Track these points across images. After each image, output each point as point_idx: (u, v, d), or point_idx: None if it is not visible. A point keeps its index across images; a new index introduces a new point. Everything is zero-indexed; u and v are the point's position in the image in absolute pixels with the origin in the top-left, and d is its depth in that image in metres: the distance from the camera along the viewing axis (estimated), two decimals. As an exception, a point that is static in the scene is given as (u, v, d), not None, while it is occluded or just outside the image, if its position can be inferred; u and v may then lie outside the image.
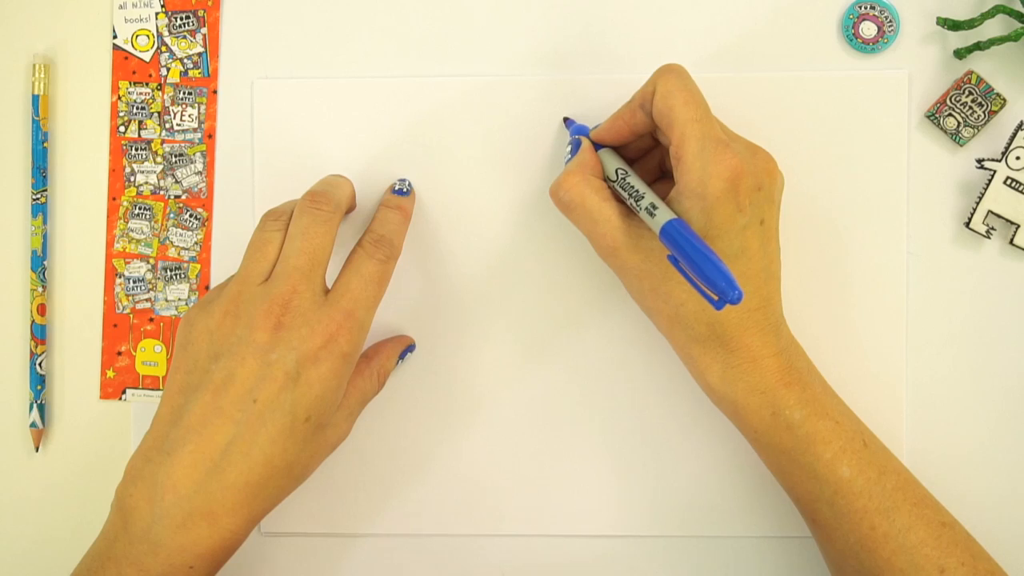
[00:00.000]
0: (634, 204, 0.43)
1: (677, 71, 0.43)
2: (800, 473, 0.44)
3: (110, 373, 0.52)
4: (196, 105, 0.52)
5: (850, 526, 0.43)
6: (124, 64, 0.52)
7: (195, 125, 0.52)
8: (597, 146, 0.47)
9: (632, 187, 0.44)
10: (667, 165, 0.48)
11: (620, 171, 0.45)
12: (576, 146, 0.47)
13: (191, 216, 0.52)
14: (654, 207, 0.42)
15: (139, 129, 0.52)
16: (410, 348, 0.50)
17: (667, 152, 0.46)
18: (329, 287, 0.44)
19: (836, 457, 0.43)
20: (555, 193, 0.45)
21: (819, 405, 0.44)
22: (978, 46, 0.49)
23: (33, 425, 0.52)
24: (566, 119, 0.50)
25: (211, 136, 0.52)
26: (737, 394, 0.44)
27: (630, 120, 0.45)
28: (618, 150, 0.47)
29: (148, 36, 0.52)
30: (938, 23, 0.49)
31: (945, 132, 0.50)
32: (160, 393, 0.52)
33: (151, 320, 0.52)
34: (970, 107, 0.49)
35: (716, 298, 0.39)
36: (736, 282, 0.38)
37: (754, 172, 0.42)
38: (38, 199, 0.52)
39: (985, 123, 0.49)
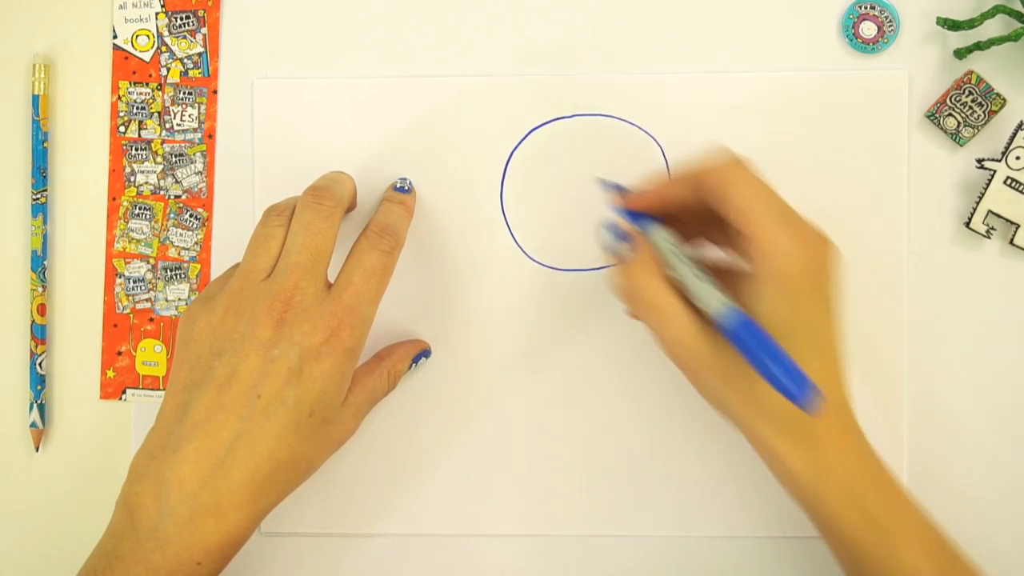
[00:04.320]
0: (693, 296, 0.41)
1: (747, 172, 0.41)
2: (879, 572, 0.42)
3: (110, 373, 0.52)
4: (196, 105, 0.52)
5: None
6: (124, 64, 0.52)
7: (195, 125, 0.52)
8: (633, 214, 0.44)
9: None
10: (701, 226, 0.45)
11: (678, 256, 0.42)
12: (615, 231, 0.44)
13: (191, 216, 0.52)
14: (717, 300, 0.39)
15: (139, 129, 0.52)
16: (425, 353, 0.50)
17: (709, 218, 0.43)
18: (332, 281, 0.45)
19: (918, 557, 0.42)
20: (624, 290, 0.43)
21: (901, 501, 0.43)
22: (978, 46, 0.49)
23: (33, 425, 0.52)
24: (602, 180, 0.48)
25: (211, 136, 0.52)
26: (827, 489, 0.42)
27: (669, 196, 0.43)
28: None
29: (148, 36, 0.52)
30: (938, 23, 0.49)
31: (945, 132, 0.50)
32: (160, 393, 0.52)
33: (151, 320, 0.52)
34: (970, 107, 0.49)
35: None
36: (815, 386, 0.36)
37: (836, 258, 0.41)
38: (38, 199, 0.52)
39: (985, 123, 0.49)
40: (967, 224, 0.49)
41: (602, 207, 0.51)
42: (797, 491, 0.43)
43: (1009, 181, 0.49)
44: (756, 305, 0.40)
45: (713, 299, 0.40)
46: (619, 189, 0.46)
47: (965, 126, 0.49)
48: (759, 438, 0.42)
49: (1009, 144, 0.49)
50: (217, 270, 0.52)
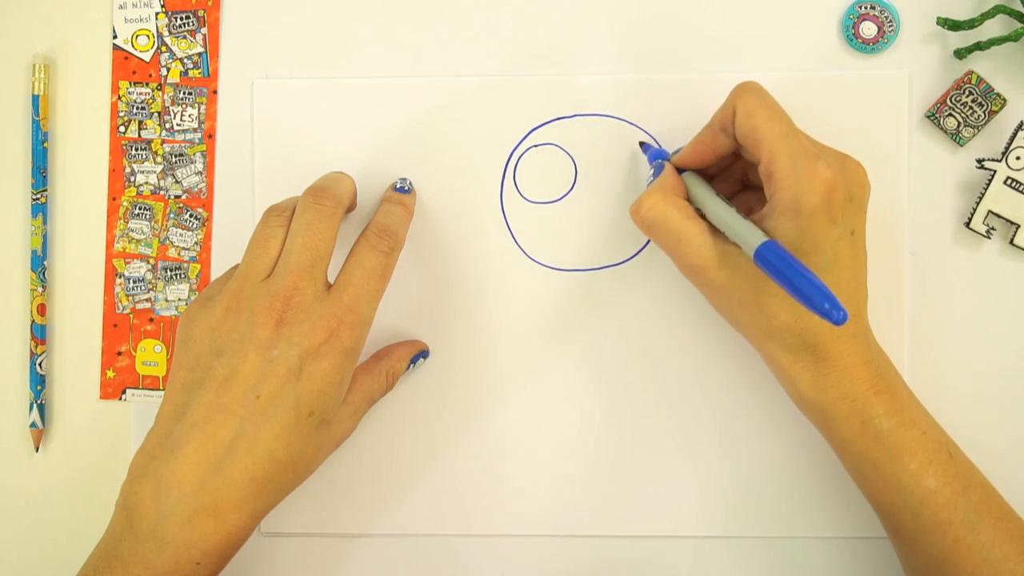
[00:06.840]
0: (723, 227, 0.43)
1: (754, 89, 0.43)
2: (885, 483, 0.43)
3: (110, 373, 0.52)
4: (196, 105, 0.52)
5: (933, 538, 0.43)
6: (124, 64, 0.52)
7: (195, 125, 0.52)
8: (679, 171, 0.46)
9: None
10: (748, 178, 0.47)
11: (709, 194, 0.44)
12: (659, 170, 0.46)
13: (191, 216, 0.52)
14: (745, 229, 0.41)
15: (139, 129, 0.52)
16: (423, 354, 0.50)
17: (749, 166, 0.45)
18: (332, 282, 0.45)
19: (922, 468, 0.43)
20: (636, 213, 0.44)
21: (907, 415, 0.44)
22: (978, 46, 0.49)
23: (33, 425, 0.52)
24: (642, 144, 0.50)
25: (211, 136, 0.52)
26: (828, 402, 0.43)
27: (712, 143, 0.45)
28: (699, 170, 0.47)
29: (148, 36, 0.52)
30: (938, 23, 0.49)
31: (945, 132, 0.50)
32: (160, 393, 0.52)
33: (151, 320, 0.52)
34: (970, 107, 0.49)
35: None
36: (840, 303, 0.37)
37: (846, 183, 0.41)
38: (38, 199, 0.52)
39: (985, 123, 0.49)
40: (967, 224, 0.49)
41: (602, 207, 0.51)
42: (802, 404, 0.45)
43: (1009, 181, 0.49)
44: (772, 233, 0.41)
45: (740, 227, 0.41)
46: (662, 155, 0.48)
47: (965, 126, 0.49)
48: (769, 355, 0.44)
49: (1009, 144, 0.49)
50: (217, 270, 0.52)
